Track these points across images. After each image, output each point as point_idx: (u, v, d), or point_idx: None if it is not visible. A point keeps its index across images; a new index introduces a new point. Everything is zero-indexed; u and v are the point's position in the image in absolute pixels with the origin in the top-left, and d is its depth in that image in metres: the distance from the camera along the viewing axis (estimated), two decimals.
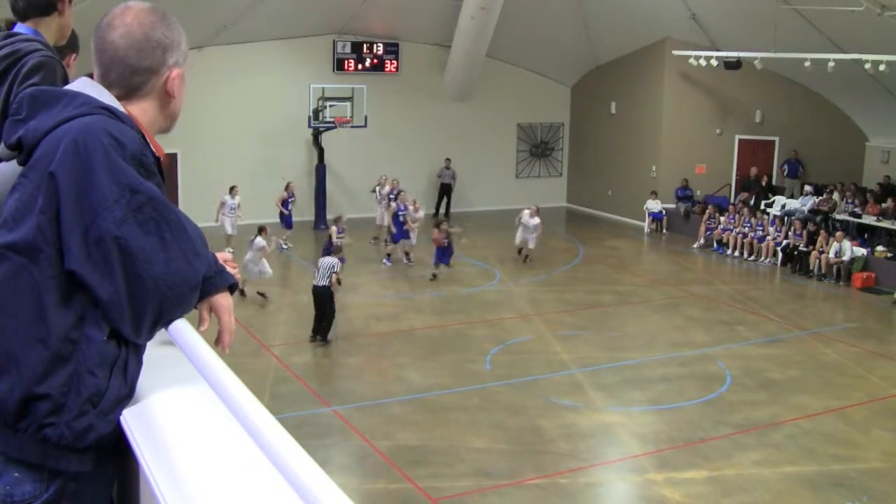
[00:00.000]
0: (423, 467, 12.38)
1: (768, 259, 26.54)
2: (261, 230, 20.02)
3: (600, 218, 32.52)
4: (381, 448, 13.02)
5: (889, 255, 24.69)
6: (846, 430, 14.69)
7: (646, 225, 30.20)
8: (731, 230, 27.77)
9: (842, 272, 24.62)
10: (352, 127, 28.12)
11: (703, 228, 28.46)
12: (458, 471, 11.68)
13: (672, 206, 30.36)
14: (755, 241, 27.03)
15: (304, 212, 27.66)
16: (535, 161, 33.98)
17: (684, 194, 30.38)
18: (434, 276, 22.36)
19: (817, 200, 28.43)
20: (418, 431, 13.71)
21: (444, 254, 22.23)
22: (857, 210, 27.30)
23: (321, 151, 28.58)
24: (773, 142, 31.48)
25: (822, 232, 25.73)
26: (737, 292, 23.11)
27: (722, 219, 28.37)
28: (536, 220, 24.09)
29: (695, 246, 28.23)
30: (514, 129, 33.10)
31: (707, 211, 28.97)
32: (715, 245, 27.96)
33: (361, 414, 14.22)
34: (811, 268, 25.14)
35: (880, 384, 16.70)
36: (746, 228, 27.54)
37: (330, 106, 28.05)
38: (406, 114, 30.33)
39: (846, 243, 24.93)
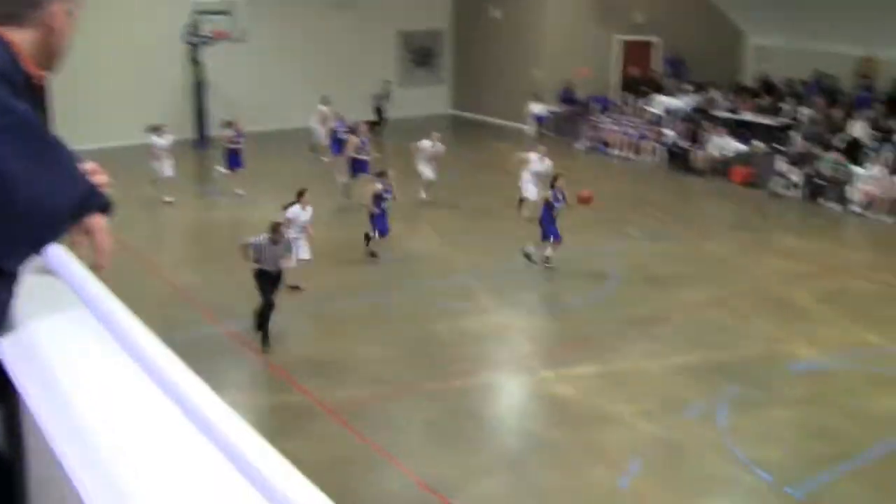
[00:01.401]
0: (318, 378, 12.43)
1: (652, 157, 26.99)
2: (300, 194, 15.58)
3: (485, 123, 32.54)
4: (276, 362, 13.02)
5: (767, 150, 25.31)
6: (728, 319, 15.20)
7: (530, 128, 30.33)
8: (615, 130, 28.12)
9: (722, 168, 25.19)
10: (232, 41, 27.31)
11: (586, 129, 28.73)
12: (354, 380, 11.77)
13: (556, 108, 30.51)
14: (638, 141, 27.44)
15: (182, 130, 26.74)
16: (417, 69, 33.70)
17: (567, 96, 30.56)
18: (373, 253, 17.76)
19: (698, 98, 28.93)
20: (312, 343, 13.74)
21: (383, 220, 17.60)
22: (736, 107, 27.87)
23: (200, 68, 27.83)
24: (655, 42, 31.80)
25: (703, 129, 26.23)
26: (622, 191, 23.51)
27: (605, 119, 28.68)
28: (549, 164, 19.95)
29: (579, 147, 28.52)
30: (394, 36, 32.66)
31: (590, 112, 29.24)
32: (599, 145, 28.28)
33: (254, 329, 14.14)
34: (693, 165, 25.66)
35: (760, 275, 17.26)
36: (629, 128, 27.92)
37: (207, 20, 27.18)
38: (288, 24, 29.61)
39: (726, 139, 25.50)
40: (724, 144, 25.53)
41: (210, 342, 13.58)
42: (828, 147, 24.22)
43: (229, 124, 22.02)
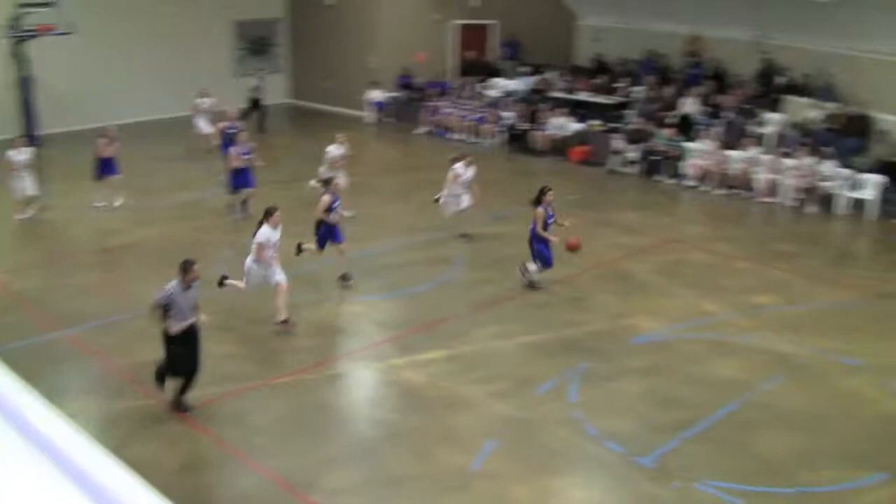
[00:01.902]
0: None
1: (492, 140, 27.21)
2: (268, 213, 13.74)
3: (324, 112, 32.24)
4: (121, 366, 12.58)
5: (603, 128, 25.84)
6: (576, 296, 15.45)
7: (369, 115, 30.19)
8: (454, 114, 28.24)
9: (561, 148, 25.60)
10: (57, 34, 26.16)
11: (426, 114, 28.78)
12: (203, 380, 11.44)
13: (395, 94, 30.46)
14: (478, 124, 27.63)
15: (6, 129, 25.54)
16: (253, 58, 33.09)
17: (405, 82, 30.54)
18: (300, 247, 16.31)
19: (535, 80, 29.32)
20: (158, 346, 13.30)
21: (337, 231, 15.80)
22: (573, 87, 28.36)
23: (25, 63, 26.61)
24: (492, 25, 32.06)
25: (541, 110, 26.60)
26: None
27: (444, 103, 28.79)
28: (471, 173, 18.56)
29: (419, 132, 28.54)
30: (229, 26, 32.00)
31: (429, 97, 29.30)
32: (439, 130, 28.36)
33: (97, 334, 13.63)
34: (532, 145, 25.99)
35: (604, 251, 17.59)
36: (468, 111, 28.09)
37: (30, 13, 25.95)
38: (118, 16, 28.62)
39: (564, 119, 25.92)
40: (562, 124, 25.96)
41: (51, 349, 13.04)
42: (661, 124, 24.90)
43: (103, 134, 20.56)
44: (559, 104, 27.00)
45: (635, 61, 29.42)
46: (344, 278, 15.68)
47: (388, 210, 20.44)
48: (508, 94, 28.78)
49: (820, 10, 24.06)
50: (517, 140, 26.56)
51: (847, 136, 22.88)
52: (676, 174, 23.69)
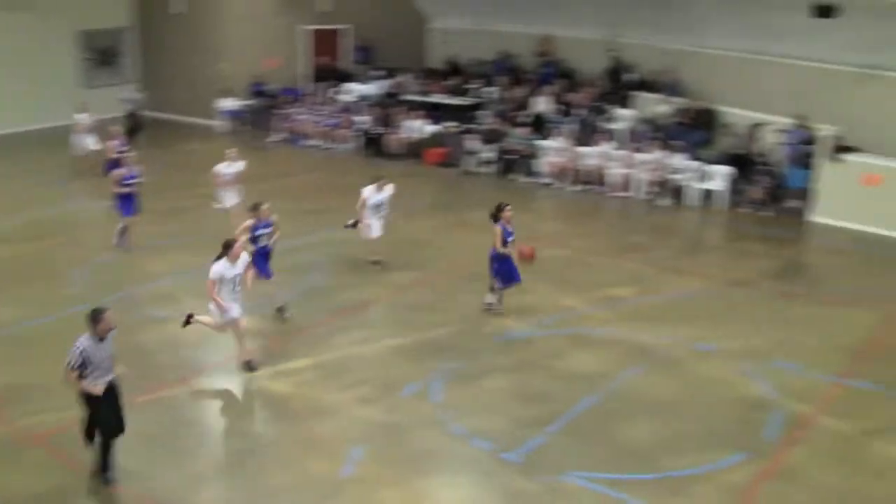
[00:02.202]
0: (18, 406, 11.61)
1: (347, 145, 27.08)
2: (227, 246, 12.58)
3: (175, 122, 31.56)
4: None
5: (458, 129, 26.02)
6: (438, 298, 15.50)
7: (222, 124, 29.70)
8: (308, 120, 28.04)
9: (417, 150, 25.67)
10: None
11: (280, 121, 28.47)
12: (59, 404, 11.02)
13: (248, 102, 30.03)
14: (332, 129, 27.48)
15: None
16: (100, 69, 32.15)
17: (258, 89, 30.17)
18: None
19: (389, 83, 29.35)
20: (8, 369, 12.80)
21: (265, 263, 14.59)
22: (426, 90, 28.48)
23: None
24: (344, 30, 31.93)
25: (396, 113, 26.63)
26: (320, 180, 23.49)
27: (298, 110, 28.54)
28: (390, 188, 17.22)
29: (274, 140, 28.22)
30: (73, 36, 30.98)
31: (283, 103, 29.01)
32: (294, 137, 28.09)
33: None
34: (388, 149, 25.99)
35: (460, 252, 17.70)
36: (322, 117, 27.92)
37: None
38: None
39: (419, 122, 26.01)
40: (417, 127, 26.04)
41: None
42: (515, 123, 25.21)
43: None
44: (413, 107, 27.08)
45: (488, 62, 29.71)
46: (280, 311, 14.56)
47: (244, 219, 20.08)
48: (362, 98, 28.72)
49: (665, 8, 24.74)
50: (372, 144, 26.52)
51: (695, 130, 23.58)
52: (531, 172, 24.02)
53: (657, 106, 24.73)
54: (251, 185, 18.85)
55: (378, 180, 16.82)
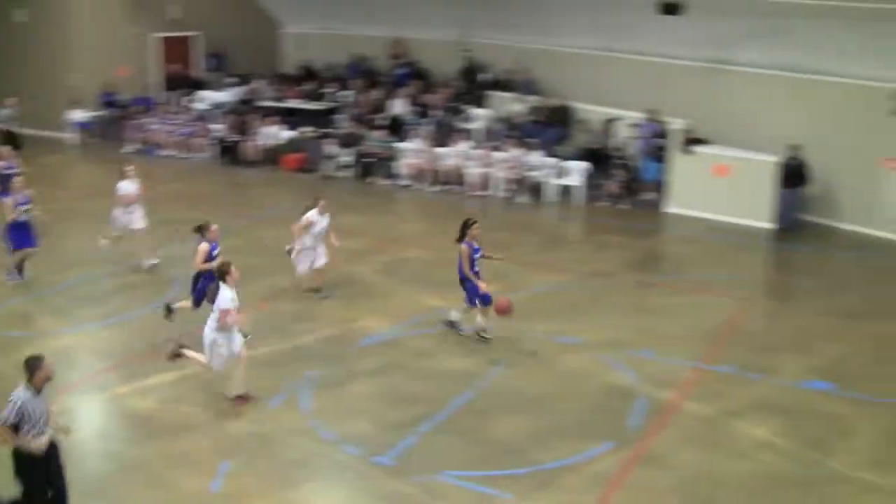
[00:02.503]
0: None
1: (203, 154, 26.61)
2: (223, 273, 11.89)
3: (25, 136, 30.43)
4: None
5: (315, 134, 25.88)
6: (299, 306, 15.33)
7: (72, 136, 28.82)
8: (162, 130, 27.44)
9: (275, 157, 25.42)
10: None
11: (133, 132, 27.79)
12: None
13: (99, 112, 29.20)
14: (187, 138, 26.97)
15: None
16: None
17: (109, 99, 29.38)
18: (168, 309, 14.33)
19: (243, 90, 28.96)
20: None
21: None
22: (281, 95, 28.22)
23: None
24: (194, 37, 31.35)
25: (252, 120, 26.30)
26: (178, 191, 23.01)
27: (151, 119, 27.92)
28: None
29: (127, 151, 27.49)
30: None
31: (134, 113, 28.34)
32: (148, 147, 27.44)
33: None
34: (245, 157, 25.64)
35: (336, 257, 17.52)
36: (177, 126, 27.37)
37: None
38: None
39: (275, 128, 25.74)
40: (274, 133, 25.77)
41: None
42: (372, 126, 25.19)
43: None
44: (269, 113, 26.79)
45: (342, 66, 29.59)
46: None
47: (95, 233, 19.49)
48: (216, 106, 28.26)
49: (516, 8, 25.05)
50: (229, 152, 26.12)
51: (550, 127, 23.96)
52: (390, 175, 24.05)
53: (512, 105, 25.04)
54: (101, 199, 18.31)
55: (318, 202, 15.58)
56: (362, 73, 28.70)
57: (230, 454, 10.61)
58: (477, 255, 14.03)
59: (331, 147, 24.71)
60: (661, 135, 21.91)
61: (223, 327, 11.52)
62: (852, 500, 10.02)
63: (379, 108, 26.40)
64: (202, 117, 27.52)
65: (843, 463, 10.68)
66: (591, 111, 23.86)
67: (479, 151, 23.30)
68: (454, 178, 23.30)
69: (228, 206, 21.09)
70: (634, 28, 23.31)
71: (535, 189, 22.64)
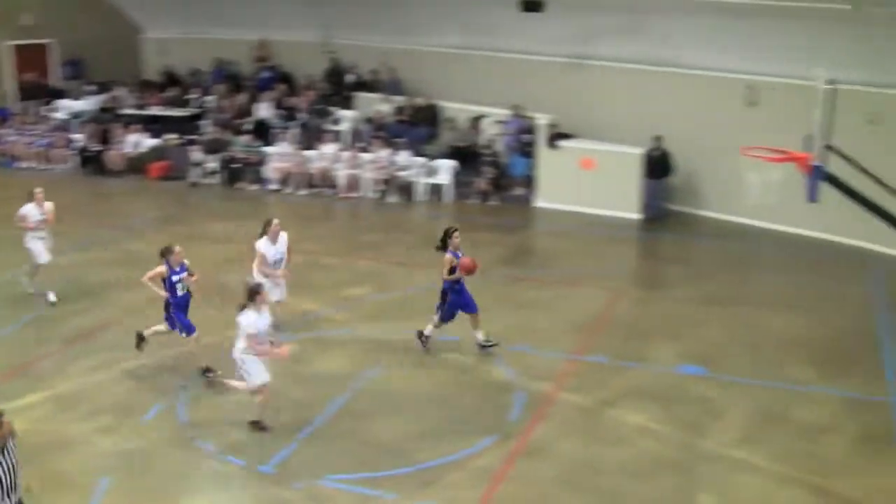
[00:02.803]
0: None
1: (64, 165, 25.83)
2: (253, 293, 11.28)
3: None
4: None
5: (180, 141, 25.43)
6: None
7: None
8: (20, 141, 26.53)
9: (139, 165, 24.87)
10: None
11: None
12: None
13: None
14: (47, 149, 26.14)
15: None
16: None
17: None
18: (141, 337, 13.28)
19: (104, 98, 28.23)
20: None
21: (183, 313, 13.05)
22: (144, 103, 27.62)
23: None
24: (50, 44, 30.39)
25: (114, 129, 25.67)
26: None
27: (7, 131, 26.97)
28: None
29: None
30: None
31: None
32: (5, 160, 26.50)
33: None
34: (108, 166, 25.01)
35: (197, 265, 17.14)
36: (35, 137, 26.51)
37: None
38: None
39: (139, 136, 25.18)
40: (137, 141, 25.20)
41: None
42: (238, 131, 24.87)
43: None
44: (132, 121, 26.20)
45: (205, 71, 29.09)
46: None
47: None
48: (76, 115, 27.45)
49: (379, 9, 25.04)
50: (91, 162, 25.41)
51: (418, 126, 24.03)
52: (259, 179, 23.79)
53: (379, 105, 25.02)
54: None
55: (268, 226, 14.03)
56: (226, 78, 28.27)
57: (107, 472, 10.34)
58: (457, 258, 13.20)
59: (197, 154, 24.31)
60: (528, 131, 22.21)
61: (255, 353, 11.10)
62: (725, 476, 10.38)
63: (244, 112, 26.06)
64: (61, 127, 26.72)
65: (716, 443, 11.05)
66: (457, 109, 24.02)
67: (347, 153, 23.24)
68: (323, 181, 23.18)
69: (92, 217, 20.56)
70: (497, 26, 23.56)
71: (405, 189, 22.69)
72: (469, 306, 13.40)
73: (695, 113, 20.75)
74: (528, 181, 22.27)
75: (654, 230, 20.37)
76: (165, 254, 12.78)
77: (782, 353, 13.73)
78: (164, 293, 12.74)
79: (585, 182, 21.29)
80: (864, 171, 10.30)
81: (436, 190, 22.60)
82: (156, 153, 25.16)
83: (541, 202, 21.87)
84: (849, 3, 17.05)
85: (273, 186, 23.45)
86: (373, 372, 12.92)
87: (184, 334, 12.76)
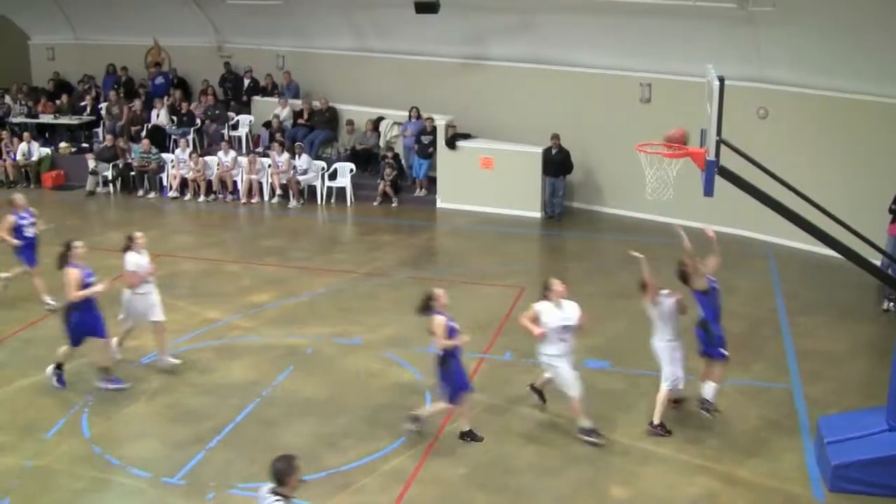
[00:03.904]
0: None
1: None
2: None
3: None
4: None
5: (73, 149, 24.90)
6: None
7: None
8: None
9: (31, 175, 24.27)
10: None
11: None
12: None
13: None
14: None
15: None
16: None
17: None
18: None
19: None
20: None
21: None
22: (34, 111, 26.92)
23: None
24: None
25: (3, 138, 24.99)
26: None
27: None
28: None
29: None
30: None
31: None
32: None
33: None
34: (0, 176, 24.35)
35: (99, 275, 16.85)
36: None
37: None
38: None
39: (32, 145, 24.54)
40: (29, 150, 24.55)
41: None
42: (134, 138, 24.44)
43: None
44: (22, 129, 25.53)
45: (98, 77, 28.46)
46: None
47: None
48: None
49: (271, 12, 24.82)
50: None
51: (317, 130, 23.89)
52: (156, 187, 23.41)
53: (276, 109, 24.80)
54: None
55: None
56: (119, 84, 27.71)
57: (7, 492, 10.05)
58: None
59: (91, 162, 23.80)
60: (427, 132, 22.25)
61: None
62: (635, 468, 10.57)
63: (140, 119, 25.60)
64: None
65: (625, 435, 11.24)
66: (356, 112, 23.95)
67: (245, 158, 22.98)
68: (222, 187, 22.90)
69: None
70: (392, 27, 23.56)
71: (305, 193, 22.56)
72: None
73: (591, 111, 21.06)
74: (429, 182, 22.33)
75: (555, 228, 20.60)
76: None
77: (687, 344, 13.99)
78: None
79: (486, 182, 21.44)
80: (755, 163, 10.53)
81: (336, 193, 22.52)
82: (49, 162, 24.55)
83: (442, 202, 21.95)
84: (735, 3, 17.49)
85: (171, 194, 23.08)
86: (280, 378, 12.82)
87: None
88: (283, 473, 7.13)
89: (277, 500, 7.06)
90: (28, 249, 15.55)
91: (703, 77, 11.93)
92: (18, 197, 15.93)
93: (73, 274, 12.18)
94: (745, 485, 10.28)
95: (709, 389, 11.40)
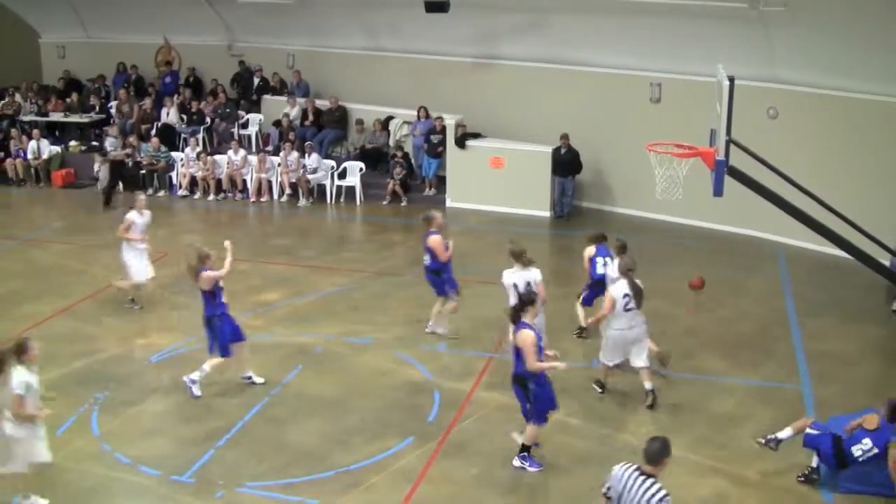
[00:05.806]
0: None
1: None
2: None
3: None
4: None
5: (83, 148, 24.94)
6: (79, 326, 14.74)
7: None
8: None
9: (41, 173, 24.31)
10: None
11: None
12: None
13: None
14: None
15: None
16: None
17: None
18: None
19: (1, 105, 27.53)
20: None
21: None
22: (44, 109, 26.98)
23: None
24: None
25: (13, 136, 25.03)
26: None
27: None
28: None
29: None
30: None
31: None
32: None
33: None
34: (9, 175, 24.39)
35: (101, 274, 16.92)
36: None
37: None
38: None
39: (42, 143, 24.58)
40: (39, 148, 24.59)
41: None
42: (144, 137, 24.47)
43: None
44: (32, 127, 25.57)
45: (108, 76, 28.49)
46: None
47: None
48: None
49: (282, 11, 24.84)
50: None
51: (327, 129, 23.90)
52: (166, 186, 23.44)
53: (286, 108, 24.81)
54: None
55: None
56: (129, 83, 27.75)
57: (17, 489, 10.08)
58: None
59: (97, 164, 23.80)
60: (437, 131, 22.25)
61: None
62: None
63: (149, 118, 25.63)
64: None
65: (634, 435, 11.21)
66: (366, 111, 23.95)
67: (255, 157, 22.98)
68: (232, 186, 22.92)
69: None
70: (402, 27, 23.55)
71: (315, 192, 22.57)
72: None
73: (601, 111, 21.03)
74: (439, 181, 22.34)
75: (564, 227, 20.58)
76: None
77: (695, 344, 13.99)
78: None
79: (495, 181, 21.43)
80: (765, 163, 10.54)
81: (346, 192, 22.53)
82: (59, 160, 24.57)
83: (451, 202, 21.94)
84: (745, 2, 17.46)
85: (181, 192, 23.11)
86: (289, 377, 12.84)
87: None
88: (659, 454, 7.50)
89: (642, 476, 7.42)
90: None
91: (713, 77, 11.94)
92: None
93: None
94: (755, 486, 10.28)
95: None
